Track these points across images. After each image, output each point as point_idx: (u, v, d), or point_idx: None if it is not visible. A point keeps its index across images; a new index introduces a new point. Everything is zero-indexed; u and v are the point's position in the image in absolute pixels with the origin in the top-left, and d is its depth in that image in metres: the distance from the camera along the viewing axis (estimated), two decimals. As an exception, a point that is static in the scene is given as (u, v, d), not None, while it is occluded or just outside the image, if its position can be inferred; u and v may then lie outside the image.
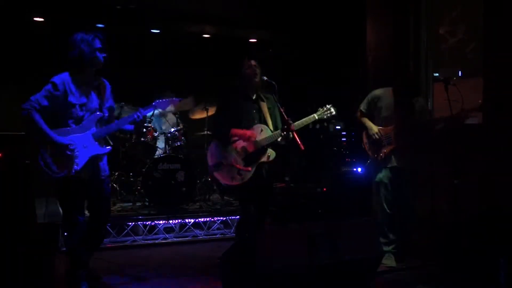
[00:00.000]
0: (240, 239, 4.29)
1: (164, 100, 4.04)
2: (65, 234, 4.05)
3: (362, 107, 4.85)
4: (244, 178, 4.11)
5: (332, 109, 4.31)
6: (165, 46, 8.07)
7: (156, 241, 5.69)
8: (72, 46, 3.74)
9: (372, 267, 3.53)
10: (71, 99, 3.70)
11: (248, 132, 4.15)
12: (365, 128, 4.76)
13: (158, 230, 5.77)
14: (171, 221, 5.83)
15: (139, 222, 5.71)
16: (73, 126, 3.74)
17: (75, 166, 3.68)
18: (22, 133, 4.85)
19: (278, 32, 8.27)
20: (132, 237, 5.64)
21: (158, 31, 8.00)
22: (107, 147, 3.87)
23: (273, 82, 4.16)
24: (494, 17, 5.17)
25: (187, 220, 5.91)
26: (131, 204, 6.35)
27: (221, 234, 5.97)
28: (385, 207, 4.64)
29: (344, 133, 6.94)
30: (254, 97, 4.30)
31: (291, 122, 4.02)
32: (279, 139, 4.12)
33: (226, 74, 8.14)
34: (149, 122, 6.41)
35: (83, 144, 3.73)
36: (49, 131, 3.64)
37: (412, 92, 4.82)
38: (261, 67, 4.27)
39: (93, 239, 4.01)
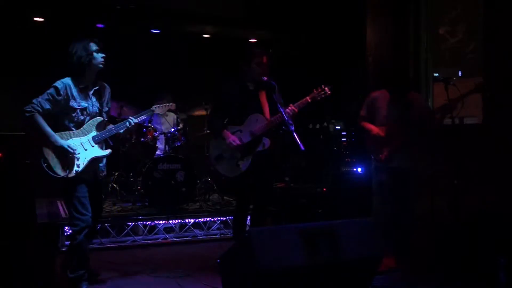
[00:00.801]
0: (237, 237, 4.32)
1: (158, 106, 4.22)
2: (70, 232, 4.06)
3: (362, 112, 4.86)
4: (242, 168, 4.23)
5: (327, 89, 4.28)
6: (165, 46, 8.07)
7: (156, 241, 5.69)
8: (70, 55, 3.83)
9: (372, 267, 3.53)
10: (73, 104, 3.80)
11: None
12: (367, 131, 4.76)
13: (158, 230, 5.77)
14: (171, 221, 5.82)
15: (139, 222, 5.71)
16: (74, 129, 3.84)
17: (76, 168, 3.77)
18: (22, 133, 4.85)
19: (278, 32, 8.28)
20: (132, 237, 5.64)
21: (158, 31, 8.00)
22: (107, 150, 3.97)
23: (273, 83, 4.16)
24: (494, 17, 5.17)
25: (187, 220, 5.91)
26: (131, 204, 6.35)
27: (221, 234, 5.97)
28: (385, 207, 4.64)
29: (344, 133, 6.93)
30: (252, 88, 4.32)
31: (291, 122, 4.01)
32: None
33: (226, 74, 8.21)
34: (149, 122, 6.41)
35: (84, 147, 3.83)
36: (52, 133, 3.73)
37: (408, 88, 4.80)
38: (271, 63, 4.28)
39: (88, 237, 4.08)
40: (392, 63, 6.09)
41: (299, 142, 3.87)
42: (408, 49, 6.24)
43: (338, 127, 7.15)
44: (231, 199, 6.78)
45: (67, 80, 3.82)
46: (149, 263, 4.88)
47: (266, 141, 4.26)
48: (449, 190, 4.44)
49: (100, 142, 3.92)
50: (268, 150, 4.29)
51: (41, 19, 7.27)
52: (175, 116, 6.96)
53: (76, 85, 3.83)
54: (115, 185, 6.49)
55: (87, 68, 3.82)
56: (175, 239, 5.78)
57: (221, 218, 6.06)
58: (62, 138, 3.77)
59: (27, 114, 3.69)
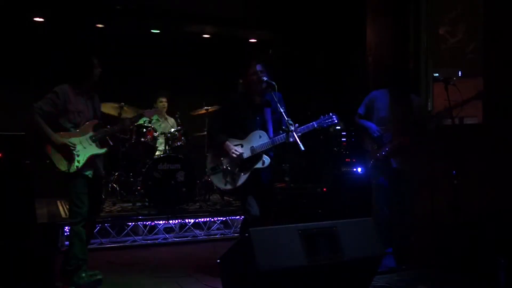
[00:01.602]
0: (241, 238, 4.30)
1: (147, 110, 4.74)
2: (70, 224, 4.17)
3: (360, 110, 4.84)
4: (236, 183, 4.23)
5: (334, 117, 4.22)
6: (165, 46, 8.07)
7: (156, 241, 5.70)
8: (70, 65, 4.20)
9: (372, 267, 3.53)
10: (70, 107, 4.09)
11: None
12: (365, 129, 4.75)
13: (158, 230, 5.77)
14: (171, 221, 5.83)
15: (139, 222, 5.71)
16: (72, 130, 4.13)
17: (77, 163, 4.04)
18: (22, 133, 4.86)
19: (278, 32, 8.27)
20: (132, 237, 5.64)
21: (158, 31, 8.00)
22: (104, 148, 4.25)
23: (273, 83, 4.15)
24: (494, 17, 5.17)
25: (187, 220, 5.91)
26: (131, 204, 6.35)
27: (221, 234, 5.97)
28: (384, 208, 4.64)
29: (344, 133, 6.93)
30: (259, 102, 4.30)
31: (291, 122, 4.00)
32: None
33: (226, 74, 8.22)
34: (149, 123, 6.40)
35: (83, 145, 4.12)
36: (52, 132, 4.01)
37: (408, 90, 4.80)
38: (267, 68, 4.25)
39: (87, 235, 4.22)
40: (392, 63, 6.09)
41: (299, 142, 3.87)
42: (408, 49, 6.24)
43: (338, 127, 7.14)
44: (231, 199, 6.78)
45: (65, 87, 4.11)
46: (149, 263, 4.89)
47: (266, 159, 4.24)
48: (449, 190, 4.44)
49: (97, 141, 4.20)
50: (267, 168, 4.27)
51: (41, 19, 7.27)
52: (175, 117, 6.96)
53: (73, 91, 4.13)
54: (115, 185, 6.49)
55: (86, 79, 4.16)
56: (175, 239, 5.78)
57: (221, 218, 6.07)
58: (61, 137, 4.05)
59: (29, 116, 3.96)
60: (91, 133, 4.16)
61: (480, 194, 4.92)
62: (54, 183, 4.35)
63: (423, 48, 6.20)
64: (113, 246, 5.46)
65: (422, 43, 6.20)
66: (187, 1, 7.44)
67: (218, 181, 4.34)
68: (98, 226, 5.33)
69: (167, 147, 6.52)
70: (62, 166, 4.00)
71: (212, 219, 6.02)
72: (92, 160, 4.13)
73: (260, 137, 4.23)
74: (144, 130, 6.28)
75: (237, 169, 4.24)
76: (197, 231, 5.92)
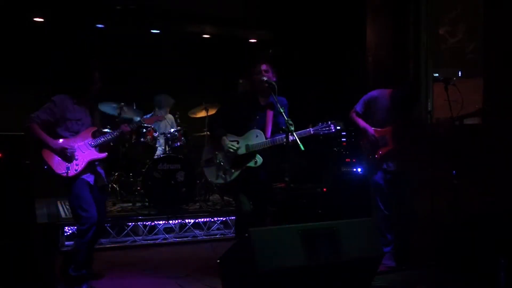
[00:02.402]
0: (239, 238, 4.31)
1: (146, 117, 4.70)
2: (78, 230, 4.13)
3: (358, 107, 4.81)
4: (227, 179, 4.26)
5: (332, 127, 4.20)
6: (165, 46, 8.07)
7: (156, 242, 5.69)
8: (70, 78, 4.23)
9: (372, 267, 3.53)
10: (69, 115, 4.13)
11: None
12: (360, 129, 4.74)
13: (158, 230, 5.77)
14: (171, 222, 5.83)
15: (139, 223, 5.71)
16: (71, 137, 4.15)
17: (76, 167, 4.04)
18: (22, 133, 4.86)
19: (278, 32, 8.28)
20: (132, 237, 5.64)
21: (158, 31, 8.00)
22: (103, 153, 4.24)
23: (273, 83, 4.16)
24: (494, 17, 5.17)
25: (187, 221, 5.91)
26: (131, 204, 6.35)
27: (221, 234, 5.97)
28: (382, 208, 4.63)
29: (344, 133, 6.92)
30: (263, 104, 4.32)
31: (291, 123, 3.99)
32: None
33: (226, 74, 8.22)
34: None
35: (82, 150, 4.13)
36: (50, 139, 4.03)
37: (411, 98, 4.75)
38: (272, 68, 4.27)
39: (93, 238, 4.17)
40: (392, 63, 6.09)
41: (299, 142, 3.87)
42: (408, 49, 6.23)
43: (338, 127, 7.13)
44: (231, 199, 6.77)
45: (64, 96, 4.15)
46: (149, 263, 4.88)
47: (259, 159, 4.26)
48: (449, 190, 4.43)
49: (96, 147, 4.20)
50: (258, 168, 4.28)
51: (41, 19, 7.27)
52: (175, 117, 6.96)
53: (71, 100, 4.17)
54: (115, 185, 6.49)
55: (85, 92, 4.21)
56: (175, 239, 5.78)
57: (221, 218, 6.06)
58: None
59: (26, 124, 3.98)
60: (89, 140, 4.18)
61: (480, 194, 4.92)
62: (54, 183, 4.35)
63: (423, 48, 6.19)
64: (113, 246, 5.45)
65: (422, 43, 6.19)
66: (187, 1, 7.45)
67: (210, 174, 4.41)
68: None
69: (167, 147, 6.52)
70: (61, 170, 4.00)
71: (212, 219, 6.02)
72: (92, 165, 4.15)
73: (257, 136, 4.27)
74: (144, 130, 6.28)
75: (229, 165, 4.29)
76: (197, 231, 5.92)
